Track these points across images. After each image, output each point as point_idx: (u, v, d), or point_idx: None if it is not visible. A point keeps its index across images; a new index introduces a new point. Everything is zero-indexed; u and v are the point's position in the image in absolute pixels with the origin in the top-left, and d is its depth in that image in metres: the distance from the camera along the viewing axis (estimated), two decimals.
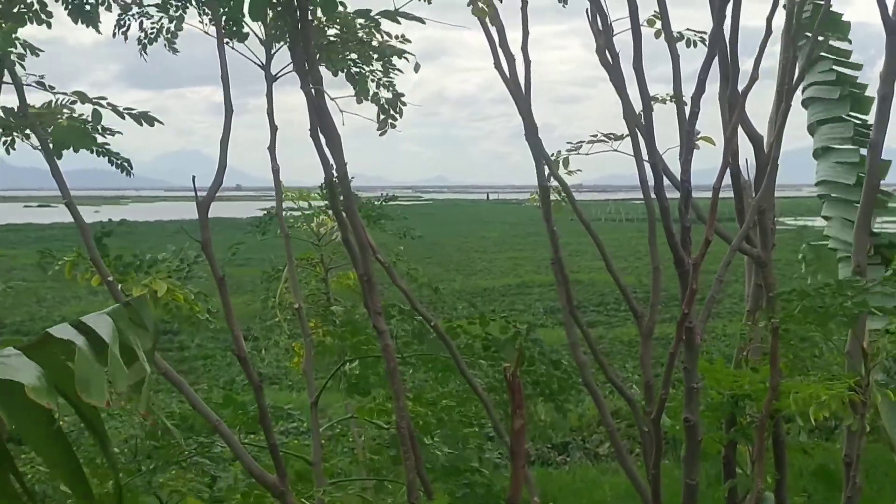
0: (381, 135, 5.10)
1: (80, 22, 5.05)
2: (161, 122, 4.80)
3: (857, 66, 6.50)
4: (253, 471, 4.46)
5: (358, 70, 4.98)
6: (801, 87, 6.42)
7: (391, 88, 5.06)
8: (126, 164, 5.18)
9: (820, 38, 5.89)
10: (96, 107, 4.75)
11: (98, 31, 5.11)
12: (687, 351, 4.61)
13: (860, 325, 5.08)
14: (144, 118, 4.78)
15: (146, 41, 5.22)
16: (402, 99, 5.11)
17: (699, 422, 4.67)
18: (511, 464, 3.81)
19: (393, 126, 5.11)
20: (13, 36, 4.62)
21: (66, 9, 5.02)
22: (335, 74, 4.92)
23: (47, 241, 55.89)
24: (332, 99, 4.74)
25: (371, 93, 5.02)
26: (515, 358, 3.86)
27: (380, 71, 4.99)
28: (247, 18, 4.64)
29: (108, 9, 5.11)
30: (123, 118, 4.77)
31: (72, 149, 4.84)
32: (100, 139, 4.91)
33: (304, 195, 7.34)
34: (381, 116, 5.07)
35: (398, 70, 5.02)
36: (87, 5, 5.04)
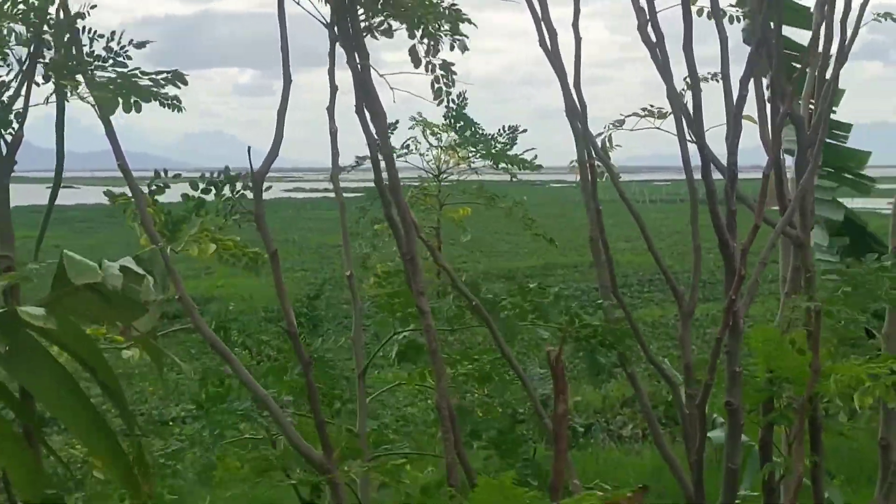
0: (438, 104, 5.06)
1: None
2: (185, 83, 4.66)
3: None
4: (300, 447, 4.45)
5: (422, 25, 4.86)
6: None
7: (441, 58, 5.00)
8: (175, 102, 5.06)
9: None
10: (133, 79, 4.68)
11: None
12: (730, 335, 4.59)
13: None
14: (177, 78, 4.64)
15: None
16: (453, 68, 5.05)
17: (741, 406, 4.65)
18: (554, 448, 3.80)
19: (448, 94, 5.06)
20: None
21: None
22: (389, 36, 4.82)
23: (70, 221, 56.00)
24: (380, 75, 4.71)
25: (424, 62, 4.96)
26: (560, 340, 3.86)
27: (443, 32, 4.90)
28: None
29: None
30: (160, 86, 4.67)
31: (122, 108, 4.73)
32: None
33: (429, 124, 7.33)
34: (437, 85, 5.03)
35: (464, 35, 4.95)
36: None
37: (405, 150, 7.36)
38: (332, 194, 5.42)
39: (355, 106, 4.59)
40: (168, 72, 4.64)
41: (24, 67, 4.60)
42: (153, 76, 4.62)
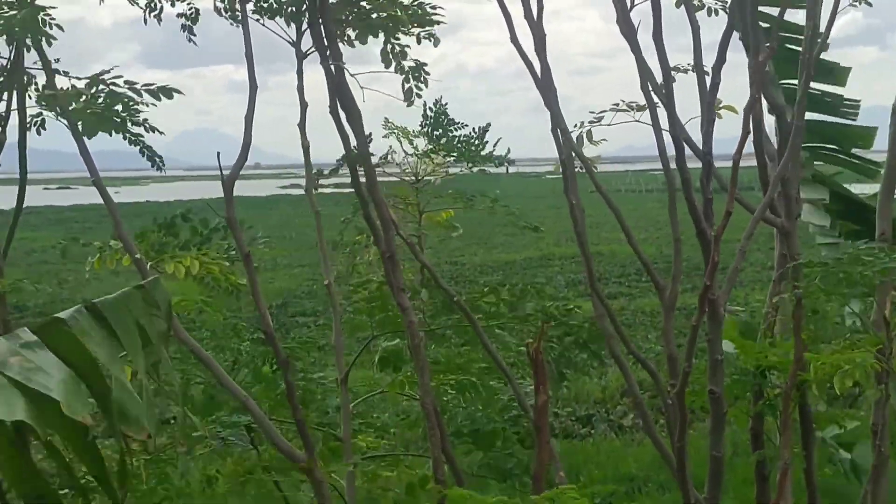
0: (408, 105, 5.08)
1: None
2: (181, 93, 4.77)
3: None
4: (281, 447, 4.48)
5: (385, 27, 4.90)
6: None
7: (413, 59, 5.02)
8: (158, 160, 5.19)
9: None
10: (112, 87, 4.74)
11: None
12: (710, 323, 4.59)
13: (883, 294, 5.05)
14: (163, 92, 4.74)
15: (189, 23, 5.27)
16: (425, 69, 5.08)
17: (723, 394, 4.66)
18: (535, 438, 3.81)
19: (419, 96, 5.08)
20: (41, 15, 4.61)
21: None
22: (363, 42, 4.87)
23: (66, 223, 56.09)
24: (352, 75, 4.73)
25: (395, 64, 4.99)
26: (539, 332, 3.86)
27: (407, 33, 4.93)
28: None
29: None
30: (141, 96, 4.75)
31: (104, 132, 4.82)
32: (133, 128, 4.90)
33: (405, 132, 7.33)
34: (407, 86, 5.05)
35: (432, 35, 4.97)
36: None
37: (384, 161, 7.37)
38: (328, 190, 5.46)
39: (329, 107, 4.61)
40: (158, 86, 4.70)
41: (6, 74, 4.64)
42: (140, 87, 4.68)
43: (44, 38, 4.70)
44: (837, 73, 6.74)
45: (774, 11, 5.58)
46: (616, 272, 29.16)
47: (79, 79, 4.80)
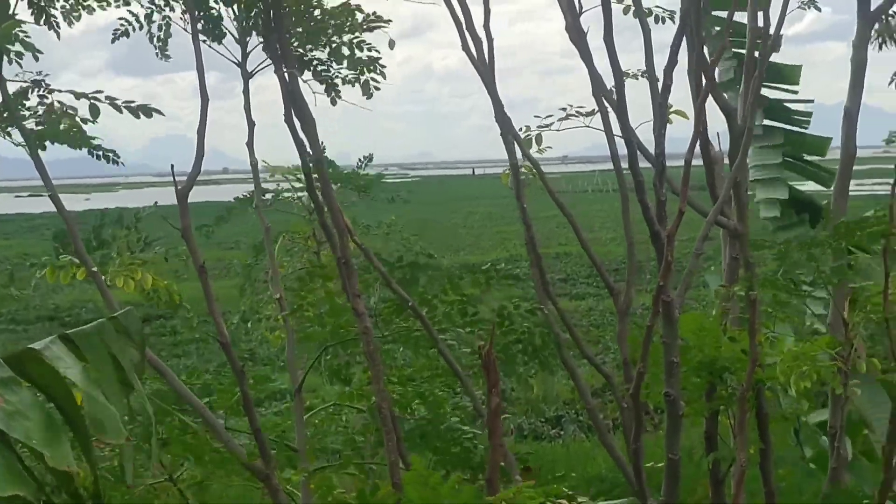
0: (367, 98, 5.11)
1: (42, 23, 5.07)
2: (161, 114, 4.82)
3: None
4: (236, 453, 4.49)
5: (329, 48, 4.98)
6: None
7: (369, 49, 5.06)
8: (112, 154, 5.19)
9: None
10: (93, 101, 4.76)
11: (57, 34, 5.13)
12: (666, 325, 4.61)
13: (840, 295, 5.10)
14: (143, 111, 4.78)
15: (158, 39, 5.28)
16: (384, 70, 5.12)
17: (679, 396, 4.68)
18: (489, 441, 3.82)
19: (377, 88, 5.11)
20: (13, 32, 4.62)
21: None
22: (306, 69, 4.94)
23: (38, 230, 55.85)
24: (304, 82, 4.76)
25: (347, 55, 5.02)
26: (490, 333, 3.87)
27: (354, 44, 4.99)
28: (224, 17, 4.70)
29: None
30: (121, 112, 4.79)
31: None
32: (90, 135, 4.93)
33: (294, 171, 7.35)
34: (363, 79, 5.08)
35: (376, 50, 5.04)
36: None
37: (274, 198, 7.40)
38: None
39: (284, 115, 4.62)
40: (138, 105, 4.74)
41: None
42: (121, 104, 4.73)
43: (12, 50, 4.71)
44: (787, 73, 6.83)
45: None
46: (584, 272, 29.30)
47: (59, 91, 4.84)
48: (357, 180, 7.18)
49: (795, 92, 7.14)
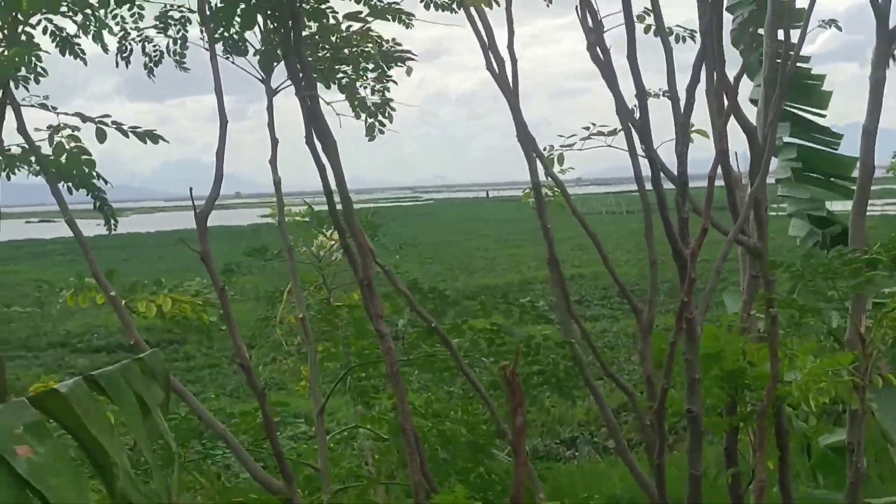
0: (369, 140, 5.14)
1: (66, 54, 5.10)
2: (166, 141, 4.82)
3: (805, 59, 6.66)
4: (259, 477, 4.49)
5: (347, 78, 5.02)
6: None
7: (382, 94, 5.10)
8: (112, 217, 5.17)
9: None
10: (100, 125, 4.77)
11: (83, 60, 5.16)
12: (688, 342, 4.62)
13: (857, 312, 5.10)
14: (149, 136, 4.79)
15: (151, 64, 5.32)
16: (392, 104, 5.16)
17: (701, 413, 4.68)
18: (514, 461, 3.83)
19: (381, 132, 5.15)
20: (18, 59, 4.63)
21: (53, 43, 5.06)
22: (328, 87, 4.96)
23: (49, 255, 55.90)
24: (327, 104, 4.78)
25: (358, 98, 5.07)
26: (515, 355, 3.89)
27: (372, 79, 5.04)
28: (249, 34, 4.72)
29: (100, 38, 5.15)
30: (128, 136, 4.80)
31: (71, 185, 4.89)
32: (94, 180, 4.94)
33: (300, 215, 7.37)
34: (370, 121, 5.12)
35: (392, 81, 5.07)
36: (71, 38, 5.09)
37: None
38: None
39: (305, 137, 4.63)
40: (144, 130, 4.75)
41: None
42: (127, 128, 4.75)
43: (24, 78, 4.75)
44: (817, 97, 6.89)
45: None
46: (598, 294, 29.24)
47: (67, 114, 4.85)
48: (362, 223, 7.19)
49: (823, 115, 7.25)
